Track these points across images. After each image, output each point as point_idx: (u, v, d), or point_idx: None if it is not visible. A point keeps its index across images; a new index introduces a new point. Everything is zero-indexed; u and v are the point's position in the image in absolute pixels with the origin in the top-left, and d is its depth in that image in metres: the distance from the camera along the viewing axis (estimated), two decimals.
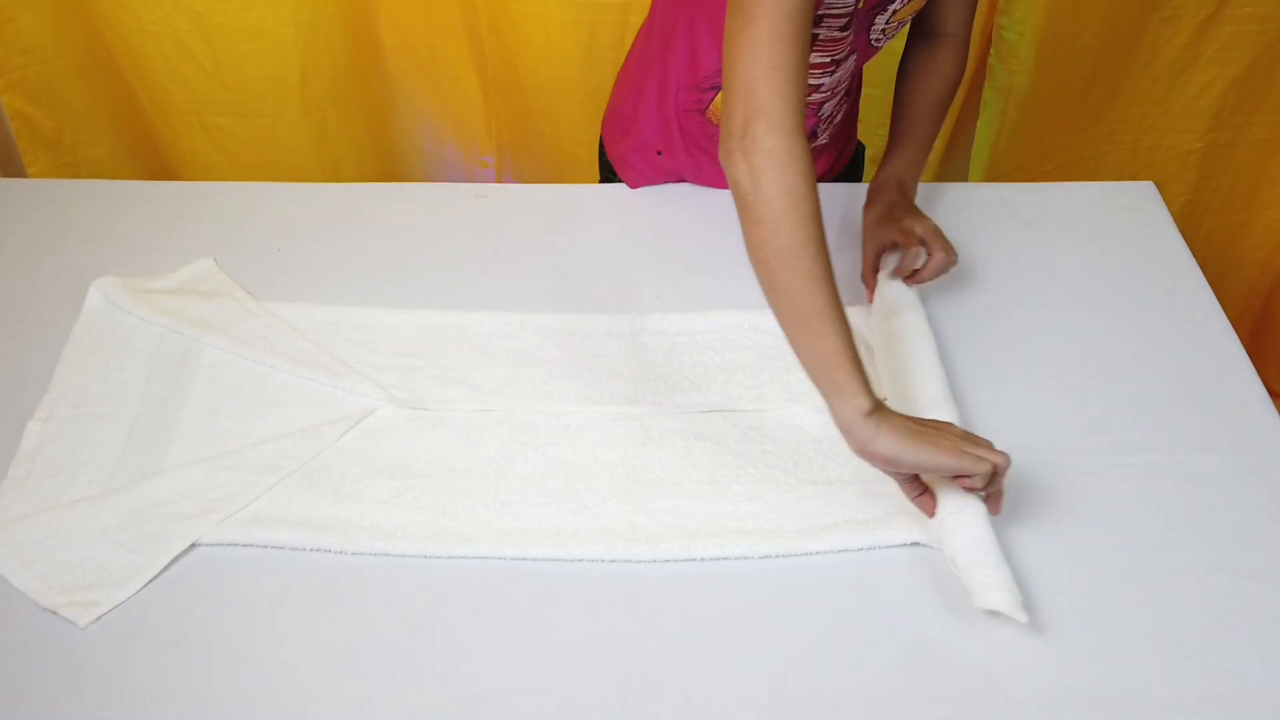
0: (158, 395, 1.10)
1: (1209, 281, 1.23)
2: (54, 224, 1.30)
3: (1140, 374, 1.13)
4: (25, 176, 1.76)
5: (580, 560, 0.96)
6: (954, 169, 1.87)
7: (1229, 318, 1.19)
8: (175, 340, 1.16)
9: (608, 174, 1.43)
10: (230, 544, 0.97)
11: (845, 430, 0.91)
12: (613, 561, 0.96)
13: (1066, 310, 1.20)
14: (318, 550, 0.97)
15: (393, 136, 1.88)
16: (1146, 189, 1.37)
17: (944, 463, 0.89)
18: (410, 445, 1.06)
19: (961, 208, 1.34)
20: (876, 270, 1.19)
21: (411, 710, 0.87)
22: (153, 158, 1.84)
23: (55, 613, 0.92)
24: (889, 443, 0.89)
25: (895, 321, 1.13)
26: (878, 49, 1.20)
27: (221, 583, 0.95)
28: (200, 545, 0.97)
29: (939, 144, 1.83)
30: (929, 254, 1.15)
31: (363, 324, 1.18)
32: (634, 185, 1.38)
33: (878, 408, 0.90)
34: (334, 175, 1.81)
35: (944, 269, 1.15)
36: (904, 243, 1.16)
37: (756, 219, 0.92)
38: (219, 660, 0.90)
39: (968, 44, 1.27)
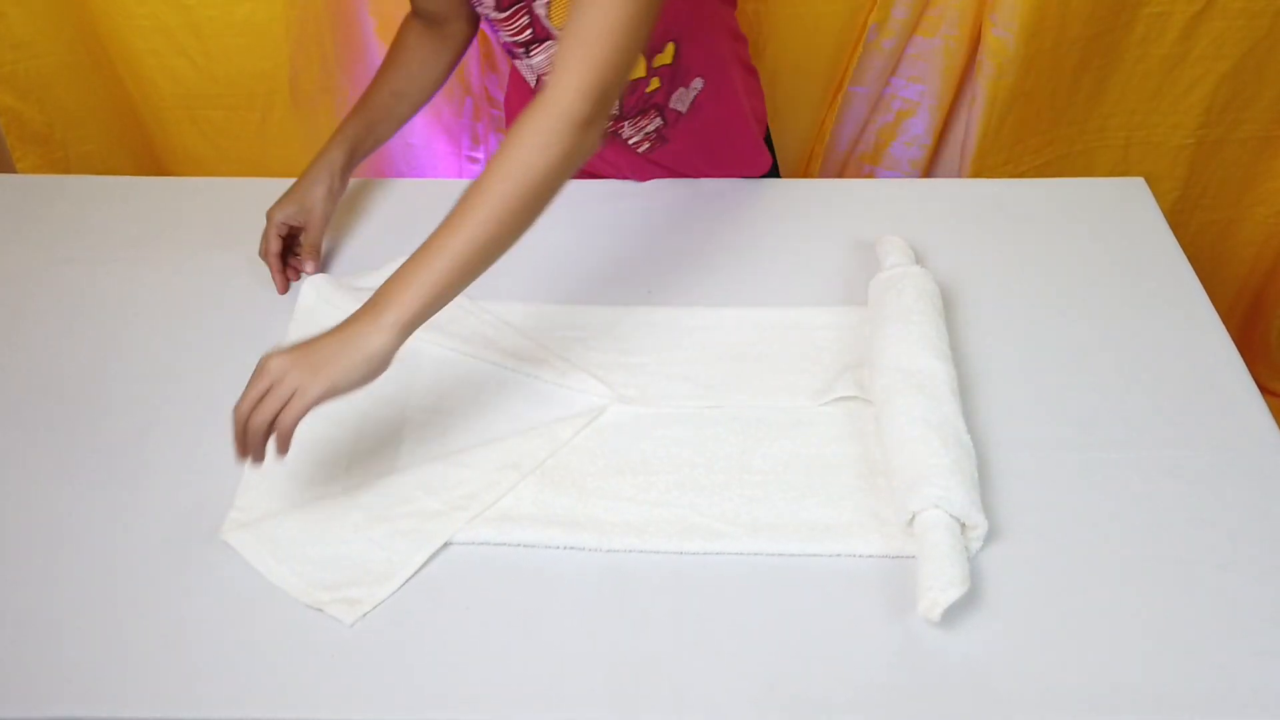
0: (382, 393, 1.07)
1: (1199, 277, 1.23)
2: (44, 219, 1.29)
3: (1130, 370, 1.13)
4: (15, 172, 1.75)
5: (839, 555, 0.95)
6: (944, 165, 1.87)
7: (1219, 313, 1.19)
8: None
9: None
10: (482, 542, 0.97)
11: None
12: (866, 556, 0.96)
13: (1056, 306, 1.20)
14: (571, 548, 0.96)
15: None
16: (1137, 185, 1.37)
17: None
18: (644, 442, 1.05)
19: (951, 204, 1.34)
20: None
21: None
22: (143, 153, 1.84)
23: (321, 610, 0.91)
24: None
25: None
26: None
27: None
28: (452, 543, 0.97)
29: (931, 140, 1.82)
30: None
31: (578, 321, 1.17)
32: None
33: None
34: None
35: None
36: None
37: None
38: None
39: None
